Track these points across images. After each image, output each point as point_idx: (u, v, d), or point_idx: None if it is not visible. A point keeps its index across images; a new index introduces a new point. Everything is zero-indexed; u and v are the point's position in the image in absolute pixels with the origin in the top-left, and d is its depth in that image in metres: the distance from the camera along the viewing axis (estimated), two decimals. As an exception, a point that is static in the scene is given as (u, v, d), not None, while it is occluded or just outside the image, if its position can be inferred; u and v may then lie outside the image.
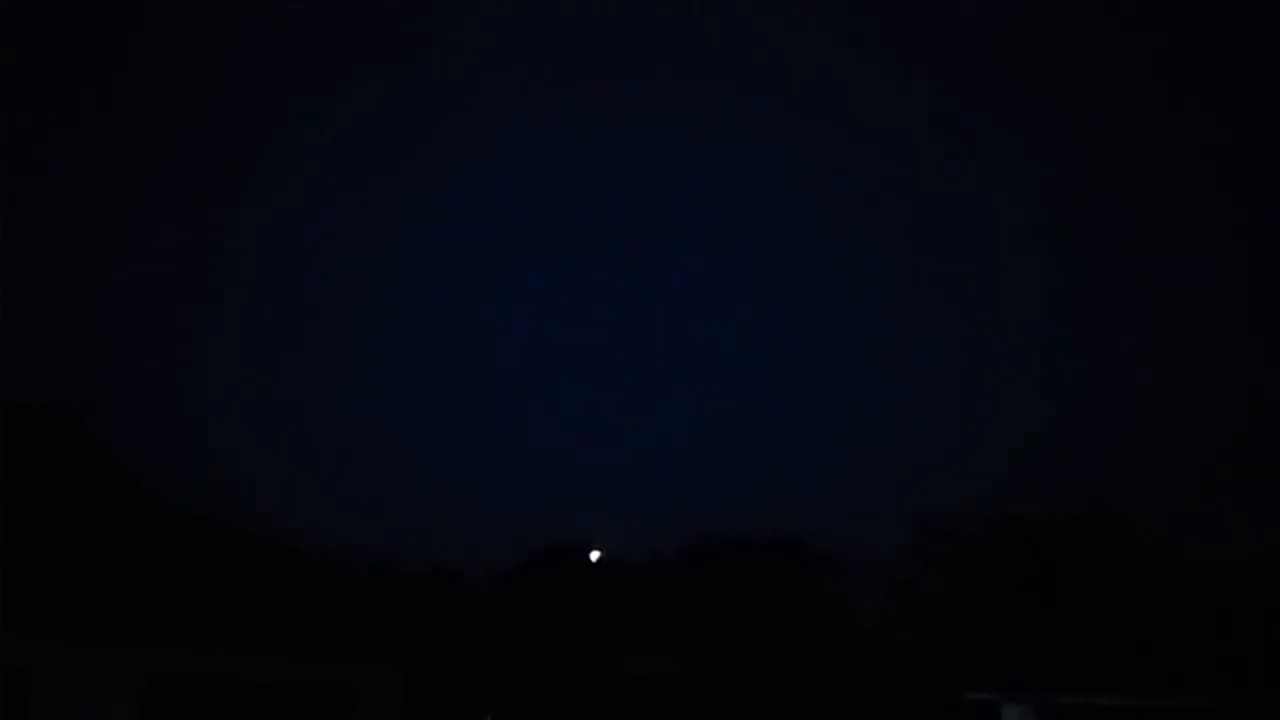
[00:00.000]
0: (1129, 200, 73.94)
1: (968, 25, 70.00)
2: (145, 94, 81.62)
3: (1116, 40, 70.33)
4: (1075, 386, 66.41)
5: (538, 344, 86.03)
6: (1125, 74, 73.33)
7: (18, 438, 11.42)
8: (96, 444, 13.21)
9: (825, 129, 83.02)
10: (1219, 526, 31.02)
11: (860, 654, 29.62)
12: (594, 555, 35.63)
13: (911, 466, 59.97)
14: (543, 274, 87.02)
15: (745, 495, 53.88)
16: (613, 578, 35.68)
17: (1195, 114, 71.64)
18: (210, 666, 10.45)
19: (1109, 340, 70.77)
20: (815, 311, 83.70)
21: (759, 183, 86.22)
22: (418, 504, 61.97)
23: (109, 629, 10.04)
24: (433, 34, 76.98)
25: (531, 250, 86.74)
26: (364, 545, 44.44)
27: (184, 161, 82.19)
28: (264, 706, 10.64)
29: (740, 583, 31.70)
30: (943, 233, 79.62)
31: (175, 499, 13.04)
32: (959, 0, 70.13)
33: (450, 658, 12.75)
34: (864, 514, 51.36)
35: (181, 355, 78.78)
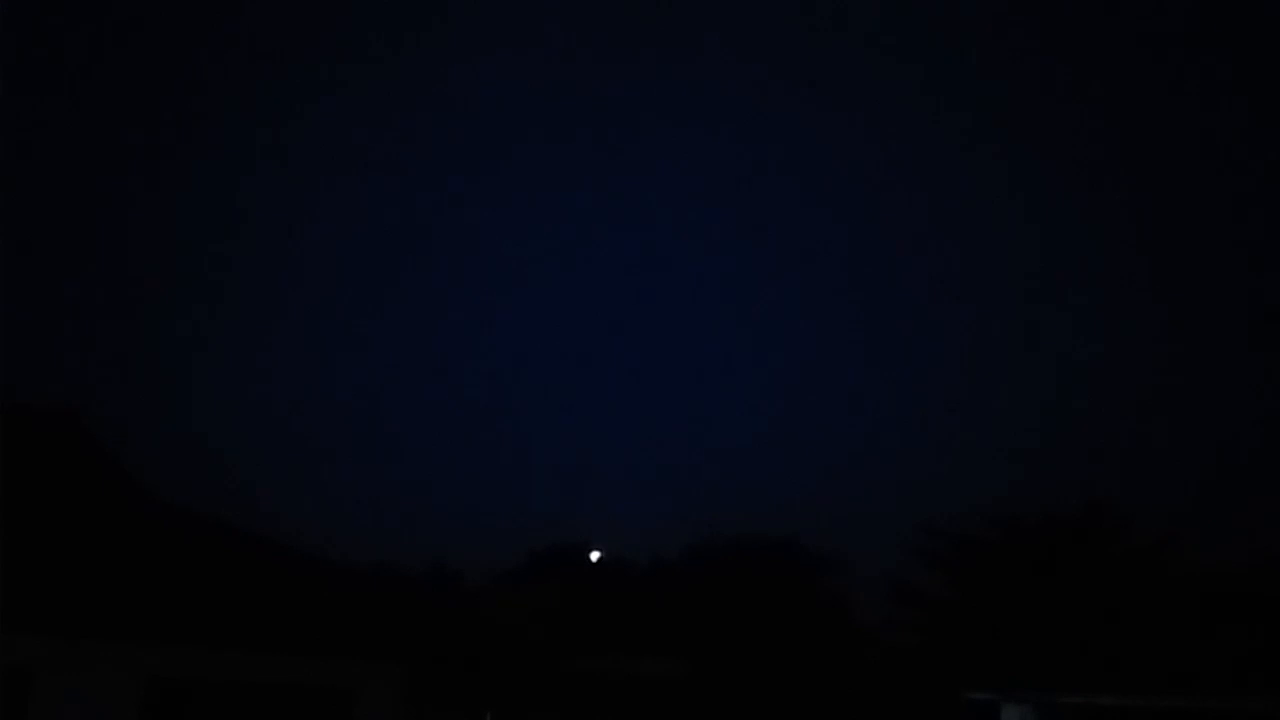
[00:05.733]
0: (1132, 202, 73.97)
1: (982, 21, 69.95)
2: (133, 90, 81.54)
3: (1126, 43, 70.31)
4: (1076, 387, 66.45)
5: (539, 344, 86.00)
6: (1132, 74, 73.33)
7: (18, 438, 11.42)
8: (96, 444, 13.20)
9: (831, 130, 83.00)
10: (1219, 526, 31.04)
11: (860, 654, 29.62)
12: (594, 555, 35.65)
13: (912, 467, 60.05)
14: (544, 274, 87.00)
15: (746, 495, 53.99)
16: (613, 578, 35.67)
17: (1198, 115, 71.64)
18: (210, 666, 10.45)
19: (1110, 341, 70.79)
20: (816, 312, 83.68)
21: (762, 183, 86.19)
22: (418, 504, 62.07)
23: (109, 629, 10.04)
24: (428, 23, 76.94)
25: (533, 250, 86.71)
26: (364, 545, 44.59)
27: (182, 160, 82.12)
28: (264, 706, 10.64)
29: (741, 583, 31.69)
30: (945, 234, 79.62)
31: (175, 499, 13.04)
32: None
33: (450, 658, 12.72)
34: (864, 514, 51.45)
35: (181, 356, 78.79)
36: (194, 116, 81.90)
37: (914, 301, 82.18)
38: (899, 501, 56.36)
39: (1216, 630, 19.46)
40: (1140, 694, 15.45)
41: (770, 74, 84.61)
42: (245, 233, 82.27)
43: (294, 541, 13.21)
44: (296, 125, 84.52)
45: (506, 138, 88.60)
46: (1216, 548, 28.00)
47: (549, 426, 76.44)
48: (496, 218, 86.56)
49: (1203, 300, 68.45)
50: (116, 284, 77.54)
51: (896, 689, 26.20)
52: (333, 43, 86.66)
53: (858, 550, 43.65)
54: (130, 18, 74.35)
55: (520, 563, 37.73)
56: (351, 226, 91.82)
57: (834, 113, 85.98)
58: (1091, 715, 16.20)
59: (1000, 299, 77.98)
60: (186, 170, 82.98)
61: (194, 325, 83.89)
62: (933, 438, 68.94)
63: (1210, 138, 72.53)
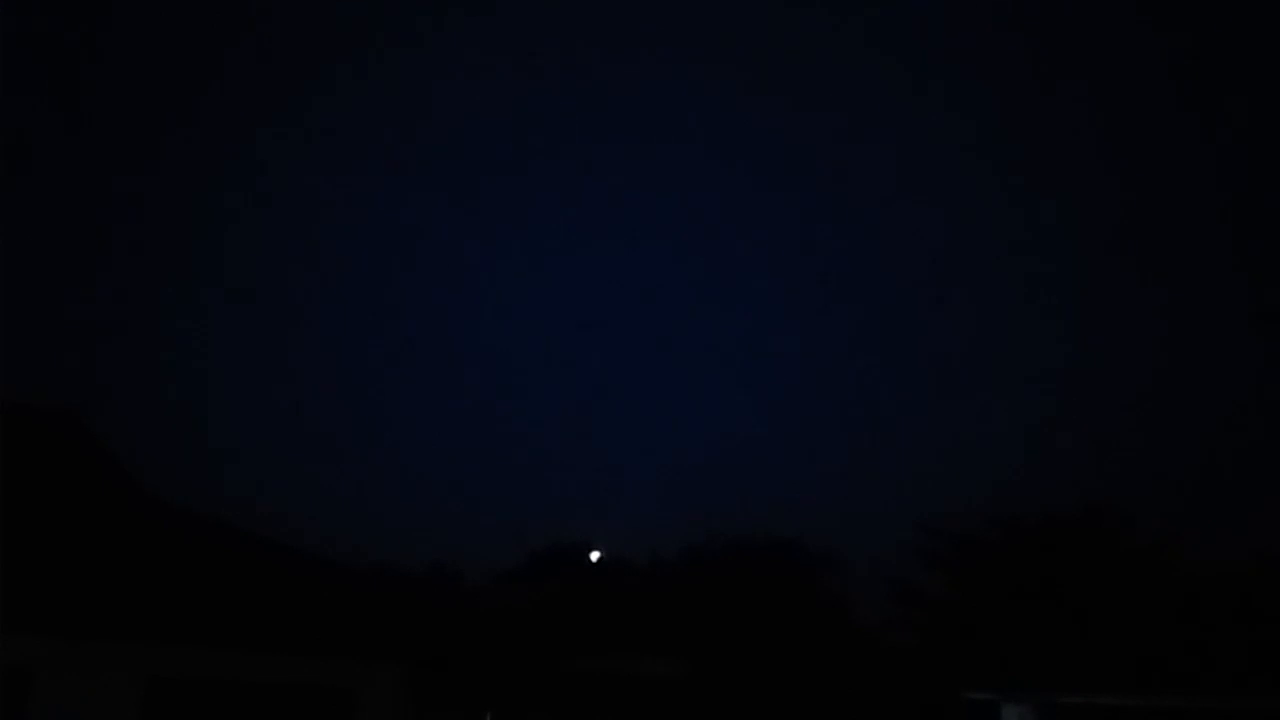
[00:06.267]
0: (1131, 201, 73.94)
1: (981, 23, 69.89)
2: (134, 91, 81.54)
3: (1125, 42, 70.28)
4: (1075, 387, 66.43)
5: (540, 344, 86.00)
6: (1132, 75, 73.31)
7: (18, 438, 11.42)
8: (96, 444, 13.20)
9: (831, 129, 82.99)
10: (1219, 526, 31.04)
11: (860, 654, 29.60)
12: (594, 555, 35.65)
13: (912, 467, 60.05)
14: (544, 275, 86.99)
15: (746, 495, 54.01)
16: (613, 578, 35.66)
17: (1199, 115, 71.62)
18: (210, 666, 10.45)
19: (1109, 340, 70.76)
20: (816, 313, 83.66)
21: (762, 183, 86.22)
22: (418, 504, 62.04)
23: (109, 628, 10.04)
24: (420, 17, 76.86)
25: (532, 251, 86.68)
26: (364, 545, 44.59)
27: (184, 159, 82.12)
28: (264, 706, 10.64)
29: (740, 583, 31.67)
30: (944, 234, 79.60)
31: (175, 499, 13.04)
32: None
33: (450, 658, 12.71)
34: (864, 514, 51.46)
35: (181, 357, 78.75)
36: (194, 116, 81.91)
37: (913, 301, 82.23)
38: (899, 501, 56.39)
39: (1216, 630, 19.46)
40: (1140, 694, 15.47)
41: (768, 73, 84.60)
42: (247, 233, 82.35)
43: (294, 541, 13.20)
44: (299, 127, 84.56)
45: (511, 139, 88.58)
46: (1216, 548, 28.00)
47: (549, 426, 76.48)
48: (497, 220, 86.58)
49: (1203, 299, 68.47)
50: (117, 284, 77.59)
51: (896, 689, 26.19)
52: (339, 47, 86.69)
53: (858, 550, 43.69)
54: (133, 21, 74.33)
55: (520, 563, 37.76)
56: (353, 227, 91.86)
57: (830, 113, 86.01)
58: (1091, 715, 16.21)
59: (1000, 298, 78.02)
60: (188, 170, 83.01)
61: (195, 326, 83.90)
62: (932, 438, 68.91)
63: (1209, 134, 72.51)
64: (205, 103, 79.19)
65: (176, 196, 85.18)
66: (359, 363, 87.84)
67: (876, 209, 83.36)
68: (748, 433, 73.89)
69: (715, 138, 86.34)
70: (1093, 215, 78.99)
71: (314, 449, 72.79)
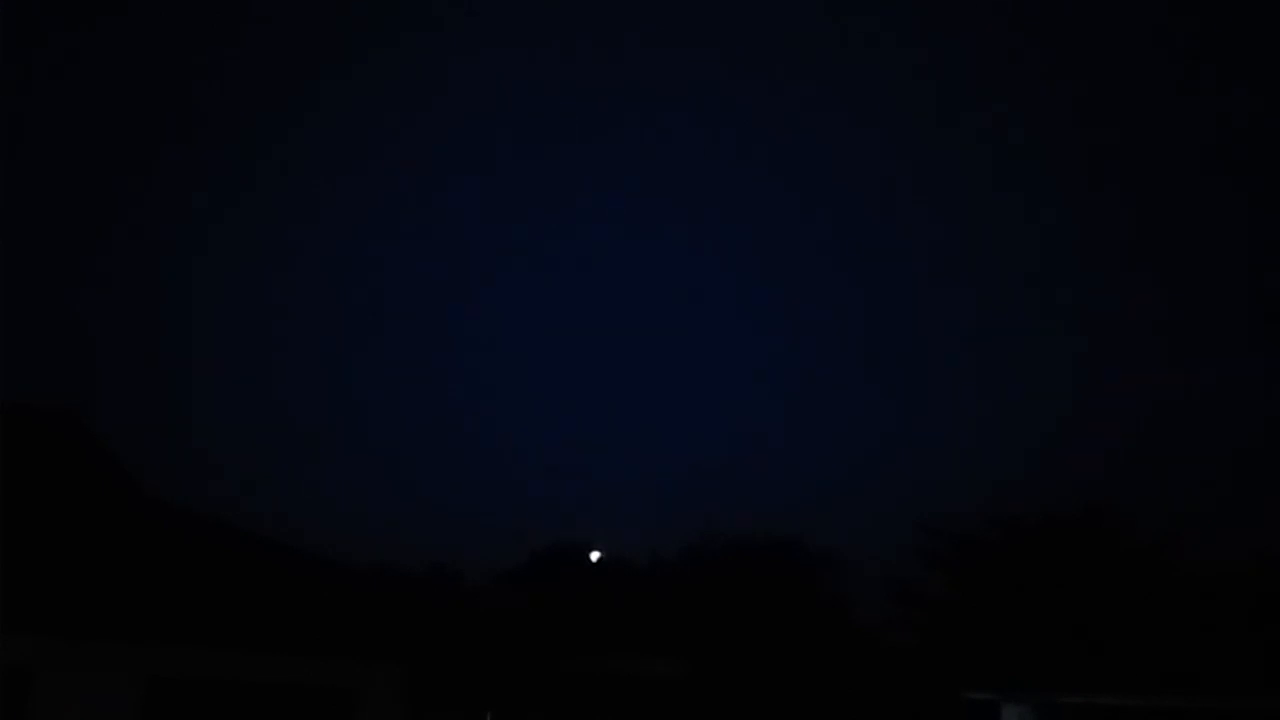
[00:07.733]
0: (1132, 202, 73.97)
1: (980, 18, 69.86)
2: (143, 95, 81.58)
3: (1127, 40, 70.29)
4: (1076, 387, 66.42)
5: (541, 344, 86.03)
6: (1136, 75, 73.29)
7: (18, 438, 11.42)
8: (96, 444, 13.19)
9: (829, 128, 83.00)
10: (1219, 526, 31.04)
11: (860, 654, 29.60)
12: (594, 555, 35.61)
13: (912, 467, 60.05)
14: (544, 274, 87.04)
15: (746, 495, 53.99)
16: (613, 578, 35.64)
17: (1200, 113, 71.59)
18: (211, 666, 10.45)
19: (1109, 341, 70.78)
20: (816, 313, 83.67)
21: (761, 184, 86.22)
22: (418, 504, 62.02)
23: (109, 629, 10.04)
24: (410, 20, 76.80)
25: (535, 252, 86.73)
26: (364, 545, 44.58)
27: (181, 161, 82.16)
28: (264, 706, 10.64)
29: (741, 583, 31.67)
30: (946, 235, 79.59)
31: (175, 499, 13.04)
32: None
33: (450, 658, 12.72)
34: (864, 514, 51.46)
35: (181, 358, 78.79)
36: (194, 117, 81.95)
37: (914, 302, 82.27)
38: (899, 501, 56.40)
39: (1216, 630, 19.47)
40: (1140, 694, 15.47)
41: (770, 74, 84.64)
42: (247, 233, 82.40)
43: (293, 541, 13.20)
44: (296, 129, 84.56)
45: (509, 144, 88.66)
46: (1216, 548, 28.01)
47: (550, 426, 76.49)
48: (498, 221, 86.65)
49: (1204, 299, 68.51)
50: (117, 285, 77.61)
51: (896, 689, 26.19)
52: (331, 45, 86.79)
53: (858, 550, 43.67)
54: (132, 22, 74.36)
55: (520, 563, 37.75)
56: (352, 227, 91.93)
57: (832, 113, 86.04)
58: (1091, 715, 16.21)
59: (1000, 299, 78.02)
60: (186, 171, 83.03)
61: (195, 326, 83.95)
62: (933, 438, 68.97)
63: (1213, 133, 72.50)
64: (206, 104, 79.24)
65: (178, 198, 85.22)
66: (359, 363, 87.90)
67: (876, 209, 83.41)
68: (748, 433, 73.94)
69: (718, 148, 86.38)
70: (1095, 215, 79.04)
71: (314, 449, 72.84)
